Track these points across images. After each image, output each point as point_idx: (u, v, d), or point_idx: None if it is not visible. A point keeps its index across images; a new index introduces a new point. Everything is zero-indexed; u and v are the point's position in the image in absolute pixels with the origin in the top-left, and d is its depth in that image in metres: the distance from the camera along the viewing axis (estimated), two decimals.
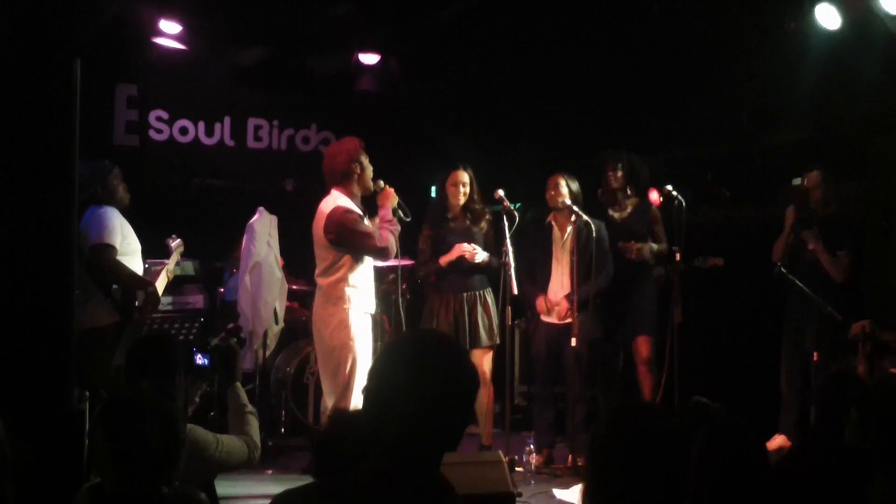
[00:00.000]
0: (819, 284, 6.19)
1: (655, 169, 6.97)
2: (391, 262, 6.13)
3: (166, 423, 2.60)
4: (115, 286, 5.57)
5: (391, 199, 5.88)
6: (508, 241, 6.10)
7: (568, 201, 6.35)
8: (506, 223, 6.14)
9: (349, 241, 5.65)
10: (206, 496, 2.94)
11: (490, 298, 6.42)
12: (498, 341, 6.42)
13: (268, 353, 7.02)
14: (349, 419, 2.98)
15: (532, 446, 6.17)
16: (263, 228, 6.80)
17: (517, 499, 5.14)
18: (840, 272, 6.34)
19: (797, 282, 6.12)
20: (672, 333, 6.41)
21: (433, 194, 6.82)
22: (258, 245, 6.75)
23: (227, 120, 8.86)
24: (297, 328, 7.45)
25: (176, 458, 2.63)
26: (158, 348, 3.78)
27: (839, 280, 6.32)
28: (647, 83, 7.73)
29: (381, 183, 5.90)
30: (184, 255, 6.41)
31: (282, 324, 6.96)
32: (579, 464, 6.16)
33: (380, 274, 6.99)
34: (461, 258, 6.30)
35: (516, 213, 6.22)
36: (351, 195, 5.78)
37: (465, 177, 6.38)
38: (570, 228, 6.40)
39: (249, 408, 3.90)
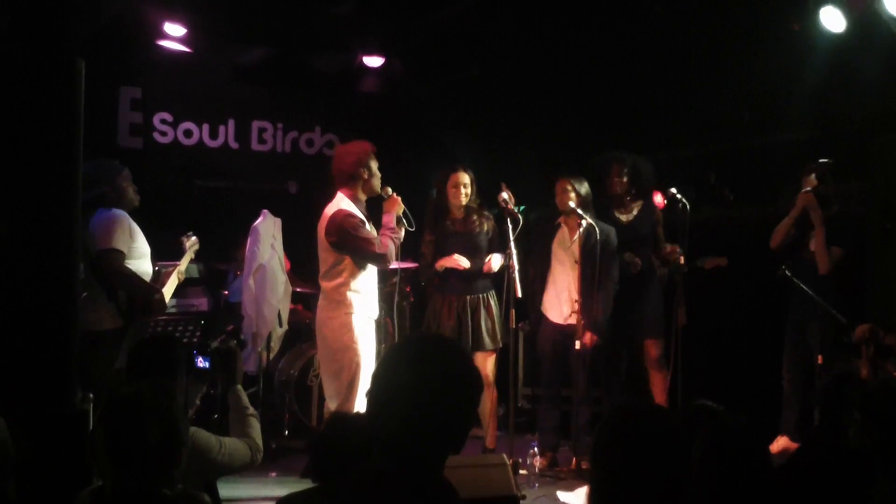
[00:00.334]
0: (818, 284, 6.19)
1: (657, 168, 6.95)
2: (394, 266, 6.12)
3: (166, 423, 2.60)
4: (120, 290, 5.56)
5: (397, 207, 5.87)
6: (512, 244, 6.09)
7: (573, 205, 6.33)
8: (510, 226, 6.13)
9: (349, 245, 5.65)
10: (209, 498, 2.94)
11: (493, 301, 6.42)
12: (501, 344, 6.42)
13: (271, 355, 7.02)
14: (347, 421, 2.98)
15: (536, 449, 6.17)
16: (267, 231, 6.80)
17: (521, 502, 5.14)
18: (827, 264, 6.33)
19: (801, 284, 6.12)
20: (676, 335, 6.41)
21: (434, 195, 6.80)
22: (262, 247, 6.75)
23: (231, 122, 8.87)
24: (301, 331, 7.45)
25: (177, 459, 2.63)
26: (160, 350, 3.78)
27: (822, 271, 6.33)
28: (649, 82, 7.73)
29: (389, 190, 5.89)
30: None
31: (285, 326, 6.96)
32: (583, 466, 6.16)
33: (383, 277, 6.99)
34: (461, 263, 6.30)
35: (520, 216, 6.21)
36: (355, 198, 5.78)
37: (465, 178, 6.38)
38: (578, 232, 6.38)
39: (251, 410, 3.90)
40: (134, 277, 5.47)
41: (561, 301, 6.46)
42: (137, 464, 2.55)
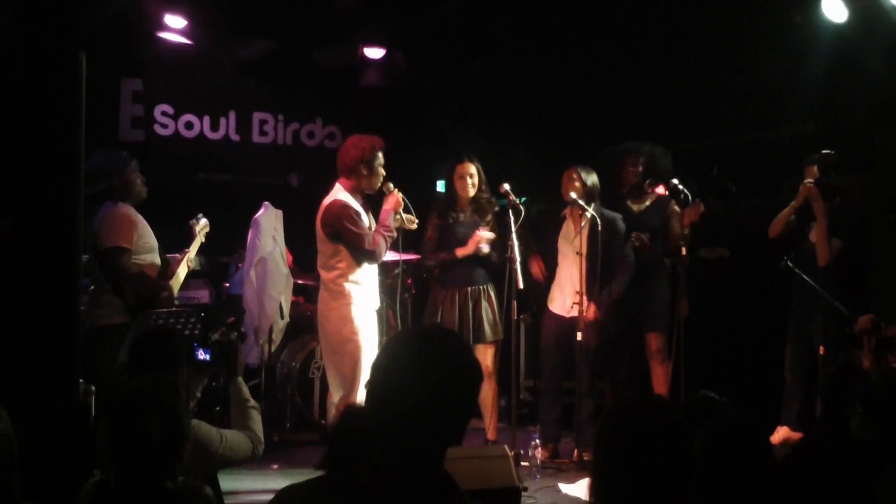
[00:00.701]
0: (820, 276, 6.19)
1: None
2: (394, 257, 6.12)
3: (169, 417, 2.60)
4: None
5: (396, 205, 5.86)
6: (514, 236, 6.09)
7: (574, 195, 6.33)
8: (511, 217, 6.13)
9: (342, 236, 5.66)
10: (211, 490, 2.94)
11: (493, 293, 6.41)
12: (502, 336, 6.41)
13: (273, 348, 7.02)
14: (361, 412, 2.98)
15: (537, 440, 6.17)
16: (269, 223, 6.79)
17: (523, 493, 5.15)
18: (826, 256, 6.33)
19: (804, 276, 6.12)
20: (678, 326, 6.41)
21: (439, 188, 6.79)
22: (263, 240, 6.74)
23: (232, 115, 8.86)
24: (303, 323, 7.45)
25: (180, 452, 2.64)
26: (161, 344, 3.77)
27: (821, 263, 6.32)
28: (652, 75, 7.72)
29: (391, 186, 5.88)
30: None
31: (287, 319, 6.96)
32: (585, 458, 6.16)
33: (385, 268, 6.98)
34: (484, 237, 6.29)
35: (522, 208, 6.20)
36: (353, 190, 5.78)
37: (471, 168, 6.36)
38: (582, 223, 6.38)
39: (252, 402, 3.90)
40: (140, 276, 5.43)
41: (564, 293, 6.46)
42: (140, 457, 2.56)
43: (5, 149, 4.23)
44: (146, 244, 5.51)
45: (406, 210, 5.98)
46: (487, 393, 6.23)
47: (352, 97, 9.08)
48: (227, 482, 4.65)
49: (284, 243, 6.93)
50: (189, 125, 8.68)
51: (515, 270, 6.06)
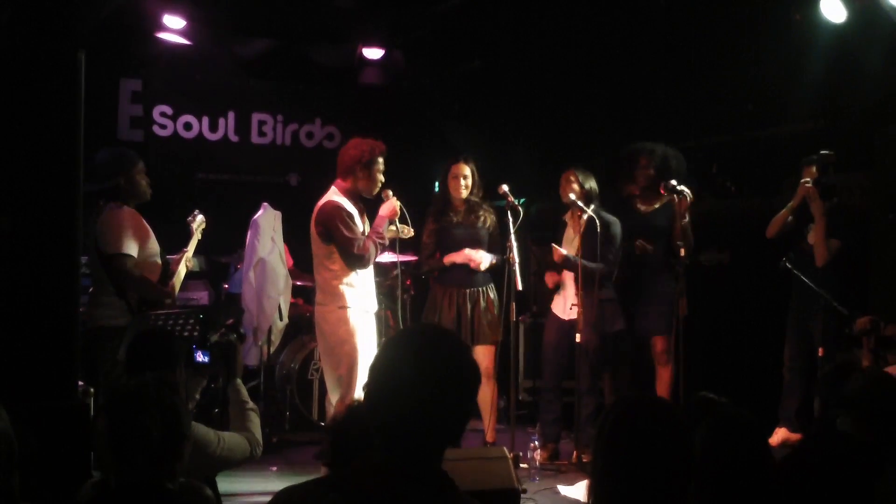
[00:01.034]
0: (819, 276, 6.19)
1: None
2: (392, 258, 6.12)
3: (169, 417, 2.60)
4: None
5: (392, 213, 5.85)
6: (513, 237, 6.08)
7: (573, 196, 6.32)
8: (510, 218, 6.12)
9: (333, 237, 5.66)
10: (210, 491, 2.94)
11: (493, 294, 6.41)
12: (501, 337, 6.40)
13: (272, 349, 7.02)
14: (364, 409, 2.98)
15: (537, 442, 6.17)
16: (268, 224, 6.79)
17: (522, 495, 5.14)
18: (824, 256, 6.32)
19: (802, 276, 6.12)
20: (678, 326, 6.40)
21: (437, 188, 6.78)
22: (262, 241, 6.74)
23: (231, 115, 8.86)
24: (302, 324, 7.45)
25: (179, 452, 2.63)
26: (158, 344, 3.77)
27: (819, 264, 6.32)
28: (652, 74, 7.71)
29: (389, 193, 5.87)
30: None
31: (286, 320, 6.96)
32: (584, 459, 6.16)
33: (383, 270, 6.99)
34: (473, 258, 6.28)
35: (521, 209, 6.19)
36: (349, 192, 5.78)
37: (466, 169, 6.33)
38: (581, 225, 6.37)
39: (250, 404, 3.90)
40: (146, 282, 5.41)
41: (565, 296, 6.47)
42: (140, 458, 2.55)
43: (4, 149, 4.22)
44: (150, 248, 5.49)
45: (402, 219, 5.95)
46: (486, 394, 6.22)
47: (351, 97, 9.08)
48: (225, 484, 4.64)
49: (284, 244, 6.94)
50: (188, 125, 8.68)
51: (514, 272, 6.05)
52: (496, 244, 6.39)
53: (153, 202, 5.65)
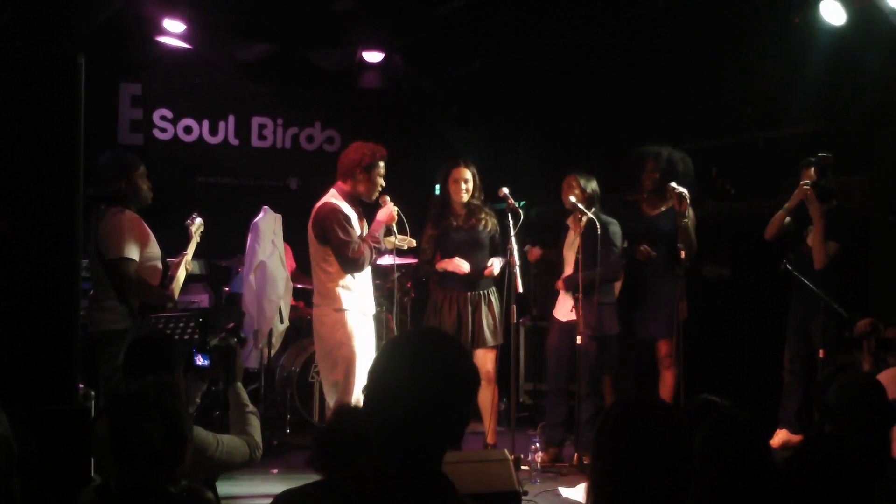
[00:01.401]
0: (820, 278, 6.19)
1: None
2: (391, 261, 6.11)
3: (170, 420, 2.59)
4: None
5: (390, 219, 5.85)
6: (513, 240, 6.08)
7: (574, 199, 6.32)
8: (510, 221, 6.12)
9: (329, 240, 5.67)
10: (213, 495, 2.94)
11: (494, 298, 6.40)
12: (502, 341, 6.39)
13: (273, 351, 7.02)
14: (353, 414, 2.98)
15: (538, 444, 6.16)
16: (268, 227, 6.79)
17: (523, 497, 5.14)
18: (823, 259, 6.32)
19: (803, 278, 6.12)
20: (678, 329, 6.40)
21: (437, 192, 6.78)
22: (263, 244, 6.74)
23: (231, 118, 8.86)
24: (302, 327, 7.45)
25: (181, 455, 2.63)
26: (156, 347, 3.77)
27: (817, 266, 6.31)
28: (651, 76, 7.72)
29: (387, 199, 5.87)
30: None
31: (287, 322, 6.95)
32: (585, 462, 6.15)
33: (384, 273, 6.98)
34: (461, 267, 6.26)
35: (521, 212, 6.19)
36: (348, 195, 5.78)
37: (466, 173, 6.30)
38: (581, 227, 6.38)
39: (250, 407, 3.90)
40: (147, 287, 5.40)
41: (567, 299, 6.47)
42: (141, 461, 2.55)
43: (5, 152, 4.23)
44: (151, 252, 5.49)
45: (401, 227, 5.95)
46: (487, 397, 6.22)
47: (351, 100, 9.09)
48: (226, 487, 4.65)
49: (288, 247, 6.94)
50: (188, 129, 8.69)
51: (515, 275, 6.05)
52: (497, 248, 6.38)
53: (153, 206, 5.65)
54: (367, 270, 5.85)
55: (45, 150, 4.27)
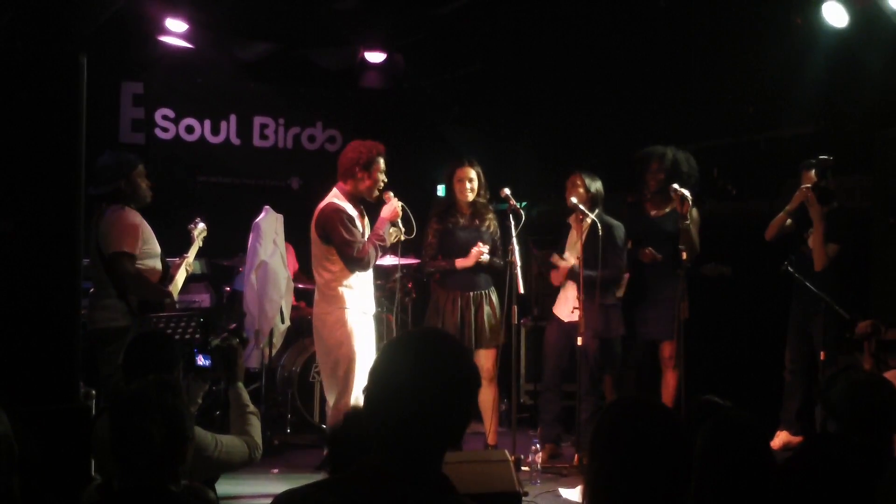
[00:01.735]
0: (821, 280, 6.18)
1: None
2: (394, 261, 6.11)
3: (171, 420, 2.59)
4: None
5: (394, 215, 5.85)
6: (515, 240, 6.09)
7: (576, 200, 6.32)
8: (512, 222, 6.12)
9: (332, 239, 5.67)
10: (214, 494, 2.94)
11: (495, 298, 6.40)
12: (503, 341, 6.40)
13: (274, 351, 7.02)
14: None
15: (538, 445, 6.16)
16: (269, 227, 6.80)
17: (523, 498, 5.14)
18: (823, 261, 6.32)
19: (803, 279, 6.12)
20: (679, 329, 6.39)
21: (440, 192, 6.78)
22: (264, 244, 6.74)
23: (232, 118, 8.86)
24: (303, 327, 7.45)
25: (182, 455, 2.63)
26: (154, 345, 3.77)
27: (817, 268, 6.31)
28: (652, 77, 7.71)
29: (391, 195, 5.86)
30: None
31: (288, 322, 6.96)
32: (585, 462, 6.14)
33: (385, 273, 6.98)
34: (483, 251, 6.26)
35: (522, 212, 6.18)
36: (349, 194, 5.78)
37: (471, 173, 6.31)
38: (583, 228, 6.38)
39: (251, 407, 3.90)
40: (145, 281, 5.41)
41: (569, 300, 6.47)
42: (143, 461, 2.55)
43: (6, 151, 4.23)
44: (150, 250, 5.50)
45: (406, 220, 5.95)
46: (488, 397, 6.22)
47: (352, 100, 9.09)
48: (227, 486, 4.65)
49: (291, 246, 6.94)
50: (190, 129, 8.69)
51: (516, 275, 6.05)
52: (498, 248, 6.38)
53: (154, 205, 5.66)
54: (370, 270, 5.86)
55: (47, 150, 4.27)
